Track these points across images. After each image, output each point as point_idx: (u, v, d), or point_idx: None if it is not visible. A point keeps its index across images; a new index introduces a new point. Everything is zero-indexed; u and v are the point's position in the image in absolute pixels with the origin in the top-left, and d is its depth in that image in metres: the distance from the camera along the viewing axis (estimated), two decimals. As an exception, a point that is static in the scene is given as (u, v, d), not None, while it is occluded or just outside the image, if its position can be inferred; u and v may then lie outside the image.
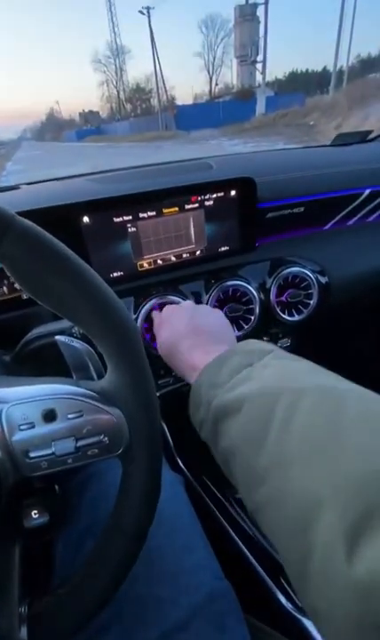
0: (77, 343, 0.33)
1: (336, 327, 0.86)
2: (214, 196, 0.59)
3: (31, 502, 0.28)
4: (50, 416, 0.26)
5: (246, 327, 0.57)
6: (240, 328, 0.57)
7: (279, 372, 0.28)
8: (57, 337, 0.33)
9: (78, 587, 0.29)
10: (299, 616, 0.42)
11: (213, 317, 0.44)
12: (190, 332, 0.41)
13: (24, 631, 0.27)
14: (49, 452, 0.26)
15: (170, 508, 0.45)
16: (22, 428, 0.26)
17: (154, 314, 0.51)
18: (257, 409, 0.26)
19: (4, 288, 0.51)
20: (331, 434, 0.22)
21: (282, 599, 0.44)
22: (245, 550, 0.50)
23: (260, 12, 27.19)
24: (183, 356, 0.40)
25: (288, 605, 0.44)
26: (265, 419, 0.25)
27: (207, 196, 0.58)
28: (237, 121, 18.11)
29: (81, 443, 0.27)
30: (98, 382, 0.28)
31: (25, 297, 0.53)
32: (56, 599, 0.29)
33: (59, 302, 0.25)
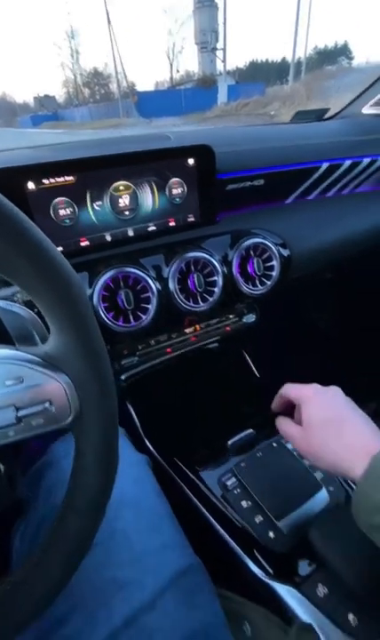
0: (18, 309, 0.30)
1: (297, 303, 0.87)
2: (171, 164, 0.56)
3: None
4: None
5: (210, 299, 0.56)
6: (204, 300, 0.56)
7: None
8: (-6, 302, 0.30)
9: (32, 572, 0.26)
10: (271, 582, 0.42)
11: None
12: (351, 409, 0.37)
13: None
14: None
15: (134, 490, 0.43)
16: None
17: (291, 391, 0.42)
18: None
19: None
20: None
21: (254, 568, 0.44)
22: (216, 524, 0.49)
23: (219, -3, 26.81)
24: (347, 436, 0.34)
25: (260, 573, 0.43)
26: None
27: (163, 164, 0.55)
28: (199, 109, 17.91)
29: (22, 412, 0.24)
30: (41, 347, 0.25)
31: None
32: (9, 587, 0.26)
33: None
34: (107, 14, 26.09)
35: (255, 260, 0.57)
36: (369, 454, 0.31)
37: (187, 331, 0.64)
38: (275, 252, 0.59)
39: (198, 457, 0.59)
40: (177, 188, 0.57)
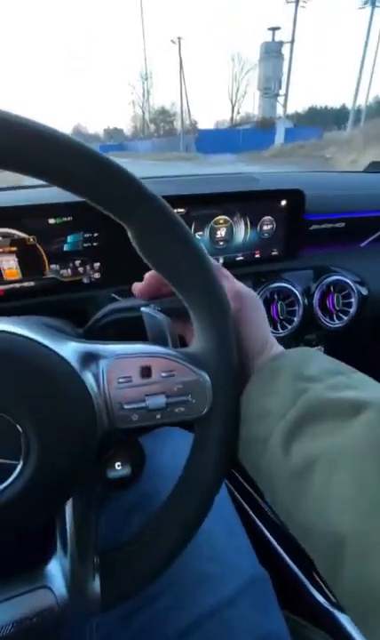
0: (159, 315, 0.36)
1: (370, 341, 0.88)
2: (267, 204, 0.63)
3: (115, 454, 0.30)
4: (145, 372, 0.29)
5: (289, 327, 0.60)
6: (283, 328, 0.60)
7: None
8: (143, 308, 0.36)
9: (148, 542, 0.30)
10: (333, 610, 0.43)
11: None
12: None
13: (97, 582, 0.29)
14: (142, 405, 0.28)
15: None
16: (120, 381, 0.28)
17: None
18: None
19: (68, 270, 0.54)
20: None
21: (317, 595, 0.45)
22: (277, 545, 0.50)
23: (285, 49, 28.58)
24: (259, 324, 0.31)
25: (323, 601, 0.44)
26: None
27: (260, 204, 0.62)
28: (255, 148, 18.71)
29: (171, 400, 0.29)
30: (188, 348, 0.31)
31: (85, 281, 0.56)
32: (126, 553, 0.30)
33: (171, 269, 0.27)
34: (180, 60, 28.58)
35: (334, 296, 0.61)
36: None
37: (258, 355, 0.68)
38: (354, 289, 0.63)
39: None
40: (267, 224, 0.63)
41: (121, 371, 0.29)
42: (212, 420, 0.31)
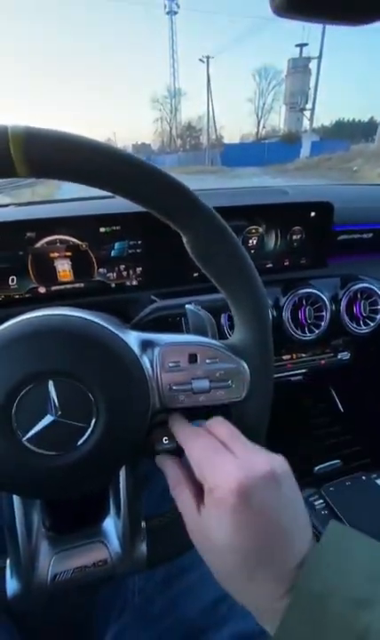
0: (202, 312, 0.40)
1: None
2: (296, 215, 0.67)
3: (162, 431, 0.34)
4: (192, 359, 0.33)
5: (316, 331, 0.63)
6: (311, 332, 0.63)
7: None
8: (187, 306, 0.41)
9: None
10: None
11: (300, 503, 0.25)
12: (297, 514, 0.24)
13: (144, 543, 0.33)
14: (188, 387, 0.32)
15: None
16: (170, 366, 0.33)
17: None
18: None
19: (114, 274, 0.60)
20: None
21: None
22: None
23: (312, 65, 28.86)
24: (284, 547, 0.23)
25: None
26: None
27: (290, 215, 0.66)
28: (281, 162, 18.78)
29: (213, 384, 0.33)
30: (229, 339, 0.35)
31: (128, 283, 0.62)
32: (169, 519, 0.34)
33: (220, 272, 0.31)
34: (208, 78, 29.36)
35: (361, 303, 0.64)
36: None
37: (285, 357, 0.71)
38: (381, 296, 0.65)
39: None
40: (297, 234, 0.67)
41: (172, 356, 0.33)
42: (248, 404, 0.34)
